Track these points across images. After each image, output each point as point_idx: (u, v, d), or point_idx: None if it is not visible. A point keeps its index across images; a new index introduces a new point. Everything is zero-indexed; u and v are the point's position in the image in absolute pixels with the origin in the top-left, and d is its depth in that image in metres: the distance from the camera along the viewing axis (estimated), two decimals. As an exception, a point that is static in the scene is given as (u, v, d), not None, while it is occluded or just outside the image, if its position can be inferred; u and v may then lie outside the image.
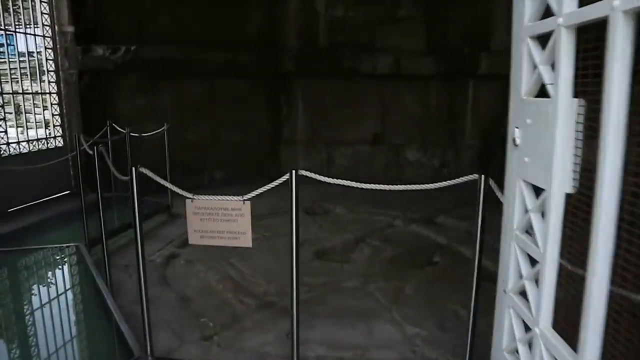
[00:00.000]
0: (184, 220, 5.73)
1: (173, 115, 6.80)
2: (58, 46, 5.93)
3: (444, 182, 2.39)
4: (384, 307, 3.50)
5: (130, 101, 6.47)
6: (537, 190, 1.57)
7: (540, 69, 1.47)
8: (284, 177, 2.29)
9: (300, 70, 7.49)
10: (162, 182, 2.57)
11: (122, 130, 5.67)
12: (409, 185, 2.44)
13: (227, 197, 2.35)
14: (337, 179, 8.24)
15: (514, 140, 1.65)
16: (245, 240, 2.37)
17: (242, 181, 7.64)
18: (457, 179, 2.38)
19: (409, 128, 7.74)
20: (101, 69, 6.03)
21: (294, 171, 2.28)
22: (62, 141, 6.17)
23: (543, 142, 1.44)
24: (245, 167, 7.63)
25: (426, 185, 2.41)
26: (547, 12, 1.42)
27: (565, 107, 1.34)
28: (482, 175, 2.24)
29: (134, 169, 2.40)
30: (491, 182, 2.23)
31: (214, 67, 6.87)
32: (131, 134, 5.65)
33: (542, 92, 1.49)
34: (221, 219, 2.36)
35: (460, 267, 4.36)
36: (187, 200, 2.42)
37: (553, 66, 1.41)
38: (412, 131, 7.74)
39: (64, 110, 6.11)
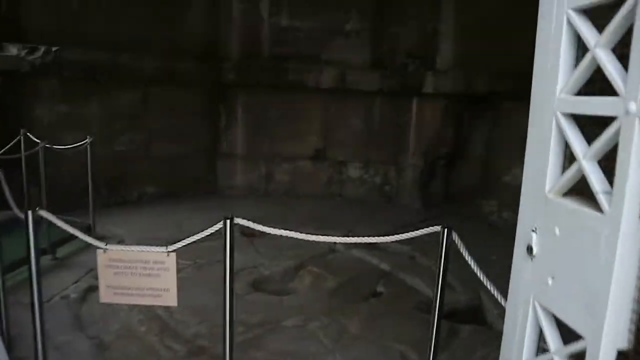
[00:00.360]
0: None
1: (101, 124, 6.28)
2: (-37, 43, 5.25)
3: (407, 234, 2.14)
4: (328, 351, 3.22)
5: (50, 108, 5.85)
6: (559, 321, 1.15)
7: (583, 166, 1.03)
8: (216, 225, 1.96)
9: (242, 81, 7.13)
10: (66, 227, 2.17)
11: (37, 140, 5.07)
12: (371, 238, 2.18)
13: (147, 248, 1.99)
14: (276, 194, 7.89)
15: (529, 249, 1.23)
16: (170, 298, 2.02)
17: (175, 197, 7.20)
18: (419, 231, 2.14)
19: (351, 144, 7.57)
20: (15, 70, 5.39)
21: (228, 220, 1.95)
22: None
23: (584, 269, 1.03)
24: (180, 182, 7.18)
25: (386, 237, 2.16)
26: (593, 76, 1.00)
27: (630, 231, 0.92)
28: (445, 229, 2.00)
29: (30, 212, 1.98)
30: (455, 237, 2.00)
31: (149, 74, 6.38)
32: (49, 145, 5.05)
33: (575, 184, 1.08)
34: (140, 273, 1.99)
35: (405, 298, 4.18)
36: (99, 251, 2.03)
37: (600, 162, 1.00)
38: (355, 148, 7.58)
39: (-30, 116, 5.41)
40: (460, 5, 6.71)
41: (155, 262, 1.98)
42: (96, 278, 4.10)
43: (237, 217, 6.49)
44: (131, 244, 5.08)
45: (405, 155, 7.44)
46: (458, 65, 6.78)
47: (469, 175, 7.55)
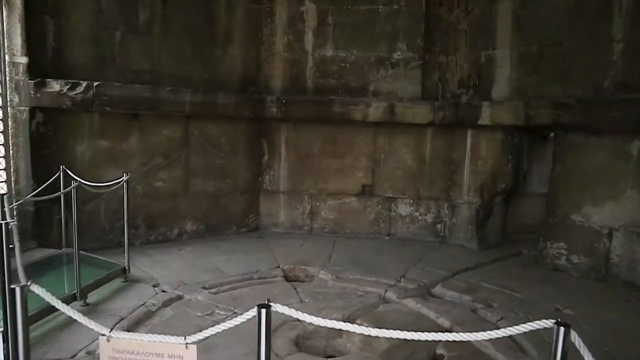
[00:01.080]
0: (142, 288, 4.89)
1: (141, 160, 6.13)
2: (7, 79, 5.17)
3: (514, 328, 1.65)
4: None
5: (90, 144, 5.72)
6: None
7: None
8: (250, 312, 1.55)
9: (285, 115, 6.85)
10: (52, 300, 1.80)
11: (76, 178, 4.88)
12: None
13: (161, 338, 1.59)
14: (321, 232, 7.45)
15: None
16: (189, 401, 1.61)
17: (217, 234, 6.92)
18: (529, 325, 1.63)
19: (401, 180, 7.11)
20: (57, 106, 5.29)
21: (263, 309, 1.54)
22: (5, 188, 5.34)
23: None
24: (221, 220, 6.93)
25: (488, 332, 1.67)
26: None
27: None
28: (562, 327, 1.49)
29: (18, 289, 1.64)
30: (574, 337, 1.49)
31: (189, 109, 6.18)
32: (86, 182, 4.84)
33: None
34: (153, 368, 1.60)
35: (471, 363, 3.61)
36: (101, 338, 1.65)
37: None
38: (405, 183, 7.11)
39: (10, 152, 5.31)
40: (517, 32, 6.23)
41: (171, 356, 1.58)
42: (127, 328, 3.79)
43: (281, 258, 5.97)
44: (167, 290, 4.78)
45: (459, 191, 6.92)
46: (516, 95, 6.26)
47: (530, 214, 6.93)
